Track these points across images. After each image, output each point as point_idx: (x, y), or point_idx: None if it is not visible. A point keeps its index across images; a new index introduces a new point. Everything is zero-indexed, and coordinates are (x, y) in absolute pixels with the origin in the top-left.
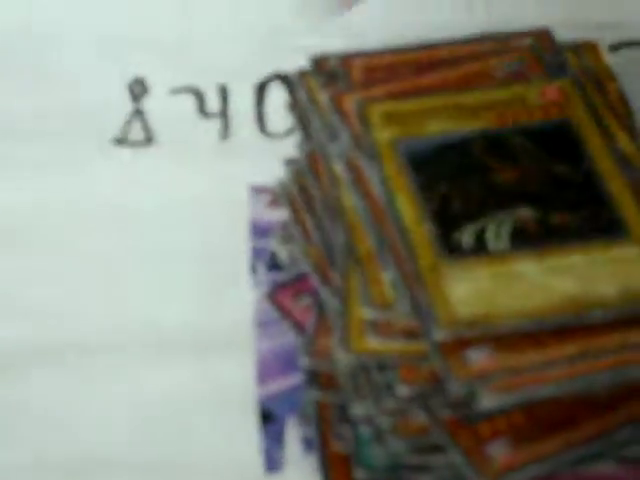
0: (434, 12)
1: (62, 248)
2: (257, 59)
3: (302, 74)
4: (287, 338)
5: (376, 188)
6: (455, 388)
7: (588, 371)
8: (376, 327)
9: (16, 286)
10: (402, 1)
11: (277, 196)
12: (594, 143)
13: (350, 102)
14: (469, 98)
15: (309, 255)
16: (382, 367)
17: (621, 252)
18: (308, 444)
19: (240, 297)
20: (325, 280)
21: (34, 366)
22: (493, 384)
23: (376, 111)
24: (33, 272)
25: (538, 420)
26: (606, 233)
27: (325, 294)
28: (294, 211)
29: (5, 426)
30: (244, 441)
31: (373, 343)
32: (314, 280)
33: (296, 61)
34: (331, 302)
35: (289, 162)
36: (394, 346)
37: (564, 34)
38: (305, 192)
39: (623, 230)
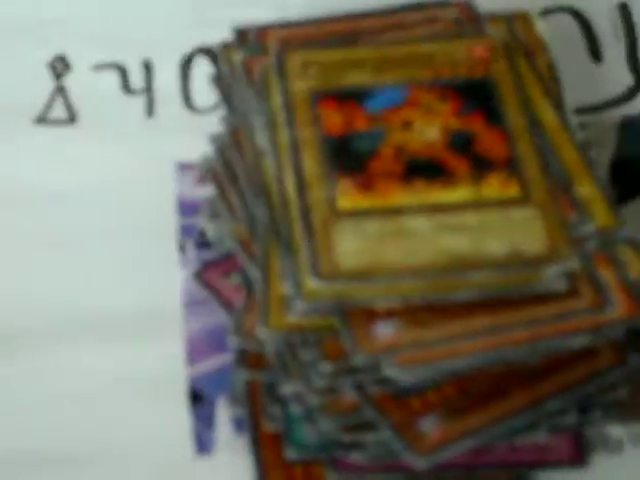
0: None
1: None
2: (181, 33)
3: (225, 46)
4: (216, 317)
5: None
6: (360, 361)
7: (499, 344)
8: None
9: None
10: None
11: (202, 173)
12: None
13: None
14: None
15: (235, 232)
16: (306, 344)
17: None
18: (239, 425)
19: (169, 276)
20: (251, 257)
21: None
22: (399, 357)
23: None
24: None
25: (469, 393)
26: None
27: (251, 271)
28: (220, 188)
29: None
30: (174, 423)
31: (294, 319)
32: (240, 257)
33: (221, 34)
34: (257, 279)
35: (214, 138)
36: (315, 321)
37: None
38: (229, 168)
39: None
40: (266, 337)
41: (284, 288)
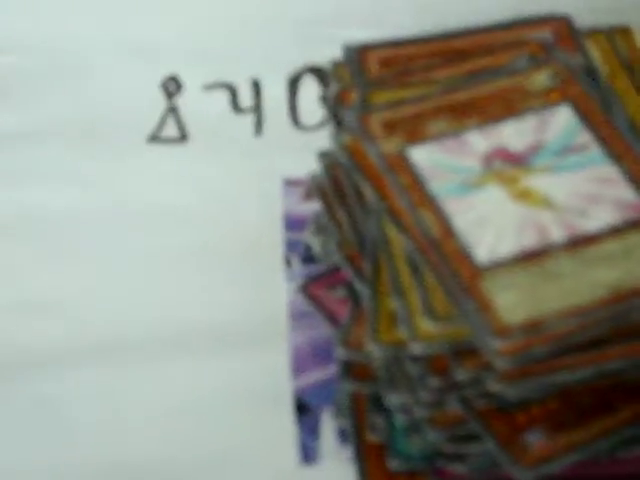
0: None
1: (97, 248)
2: (289, 51)
3: (335, 64)
4: (321, 330)
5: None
6: (464, 376)
7: (604, 358)
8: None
9: (52, 285)
10: None
11: (310, 189)
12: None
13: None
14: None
15: (342, 247)
16: (414, 358)
17: None
18: (343, 435)
19: (275, 291)
20: (358, 271)
21: (67, 366)
22: (503, 373)
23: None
24: (69, 272)
25: (574, 408)
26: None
27: (359, 285)
28: (326, 203)
29: (36, 427)
30: (279, 433)
31: (403, 334)
32: (347, 271)
33: (329, 52)
34: (365, 293)
35: (322, 155)
36: None
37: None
38: (337, 184)
39: None
40: (375, 351)
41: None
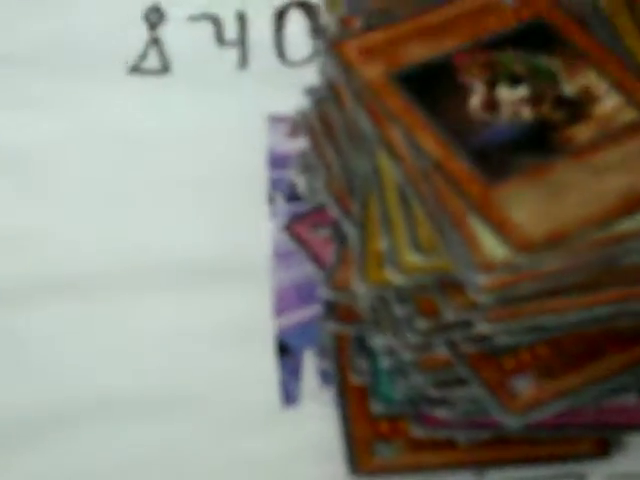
0: None
1: (76, 179)
2: None
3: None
4: (305, 270)
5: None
6: (453, 317)
7: (593, 302)
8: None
9: (28, 219)
10: None
11: (296, 125)
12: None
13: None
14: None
15: (329, 185)
16: (402, 299)
17: None
18: (325, 377)
19: (258, 228)
20: (346, 211)
21: (45, 299)
22: (492, 313)
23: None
24: (45, 204)
25: (562, 354)
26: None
27: (346, 225)
28: (314, 140)
29: (15, 363)
30: (261, 373)
31: (391, 275)
32: (334, 211)
33: None
34: (352, 233)
35: (309, 91)
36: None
37: None
38: (326, 120)
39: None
40: (363, 291)
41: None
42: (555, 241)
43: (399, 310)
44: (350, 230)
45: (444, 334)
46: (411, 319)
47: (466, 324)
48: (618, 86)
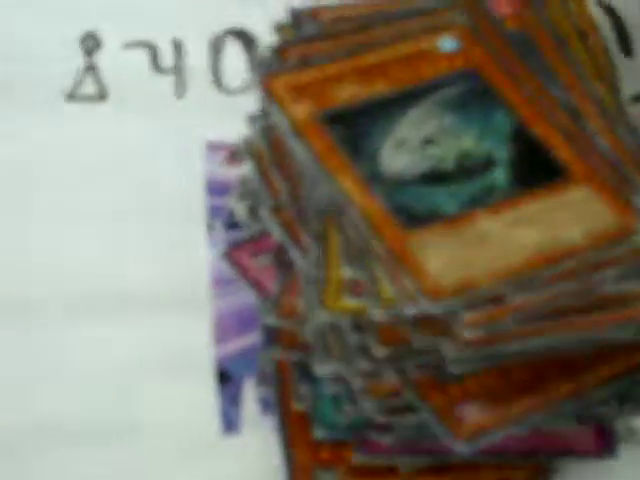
0: None
1: (12, 206)
2: (212, 13)
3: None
4: (244, 297)
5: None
6: (421, 343)
7: (556, 330)
8: (354, 287)
9: None
10: None
11: (235, 152)
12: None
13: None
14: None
15: (276, 212)
16: (358, 327)
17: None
18: (266, 405)
19: (196, 255)
20: (294, 238)
21: None
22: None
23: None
24: None
25: (509, 381)
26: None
27: (294, 252)
28: (260, 167)
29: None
30: (201, 402)
31: (350, 303)
32: (282, 238)
33: (252, 15)
34: (301, 261)
35: (254, 118)
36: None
37: None
38: (275, 147)
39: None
40: (320, 319)
41: (345, 273)
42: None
43: (354, 338)
44: (297, 257)
45: (400, 362)
46: (366, 347)
47: (423, 352)
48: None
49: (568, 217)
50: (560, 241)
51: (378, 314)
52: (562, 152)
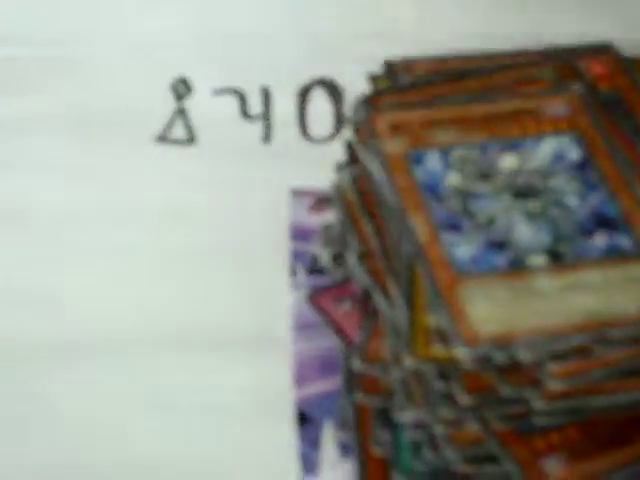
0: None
1: (107, 248)
2: (300, 61)
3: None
4: (325, 341)
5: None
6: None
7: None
8: (443, 334)
9: (60, 284)
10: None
11: (327, 198)
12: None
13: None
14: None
15: (363, 259)
16: (443, 375)
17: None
18: (345, 449)
19: (279, 300)
20: (381, 285)
21: (54, 363)
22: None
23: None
24: (77, 272)
25: (592, 437)
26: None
27: (380, 300)
28: (349, 216)
29: (22, 425)
30: (281, 444)
31: (438, 350)
32: (368, 284)
33: (339, 66)
34: (387, 308)
35: (343, 165)
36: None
37: None
38: (365, 195)
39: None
40: (409, 365)
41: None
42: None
43: (439, 385)
44: (383, 304)
45: (484, 411)
46: (451, 395)
47: (509, 402)
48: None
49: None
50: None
51: (466, 360)
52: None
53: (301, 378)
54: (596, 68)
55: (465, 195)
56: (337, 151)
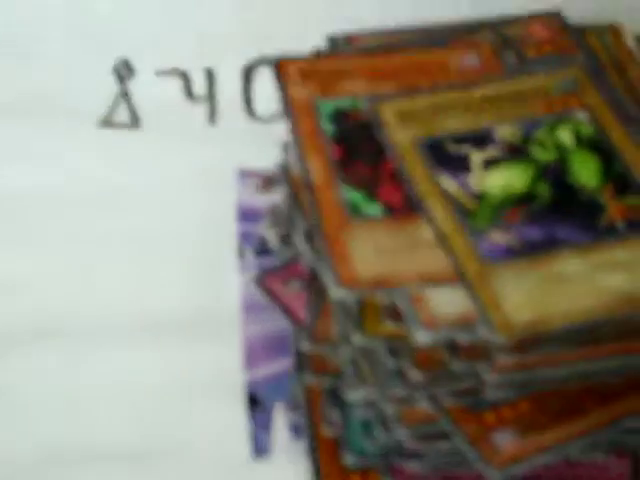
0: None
1: (47, 231)
2: (244, 42)
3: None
4: (275, 323)
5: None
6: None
7: (593, 356)
8: (393, 312)
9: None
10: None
11: (267, 180)
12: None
13: None
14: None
15: (311, 239)
16: (394, 352)
17: None
18: (296, 430)
19: (227, 281)
20: None
21: (15, 350)
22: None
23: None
24: (18, 256)
25: (544, 410)
26: None
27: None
28: (295, 194)
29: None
30: (231, 426)
31: (389, 327)
32: (316, 265)
33: (282, 45)
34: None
35: (287, 145)
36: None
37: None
38: None
39: None
40: (359, 342)
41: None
42: (536, 330)
43: (389, 362)
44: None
45: (435, 387)
46: (401, 372)
47: (459, 377)
48: None
49: None
50: None
51: (421, 337)
52: None
53: (251, 360)
54: (541, 32)
55: None
56: (283, 130)
